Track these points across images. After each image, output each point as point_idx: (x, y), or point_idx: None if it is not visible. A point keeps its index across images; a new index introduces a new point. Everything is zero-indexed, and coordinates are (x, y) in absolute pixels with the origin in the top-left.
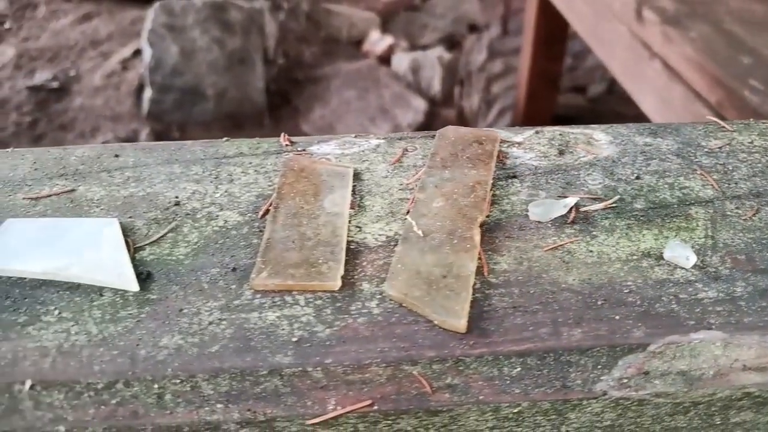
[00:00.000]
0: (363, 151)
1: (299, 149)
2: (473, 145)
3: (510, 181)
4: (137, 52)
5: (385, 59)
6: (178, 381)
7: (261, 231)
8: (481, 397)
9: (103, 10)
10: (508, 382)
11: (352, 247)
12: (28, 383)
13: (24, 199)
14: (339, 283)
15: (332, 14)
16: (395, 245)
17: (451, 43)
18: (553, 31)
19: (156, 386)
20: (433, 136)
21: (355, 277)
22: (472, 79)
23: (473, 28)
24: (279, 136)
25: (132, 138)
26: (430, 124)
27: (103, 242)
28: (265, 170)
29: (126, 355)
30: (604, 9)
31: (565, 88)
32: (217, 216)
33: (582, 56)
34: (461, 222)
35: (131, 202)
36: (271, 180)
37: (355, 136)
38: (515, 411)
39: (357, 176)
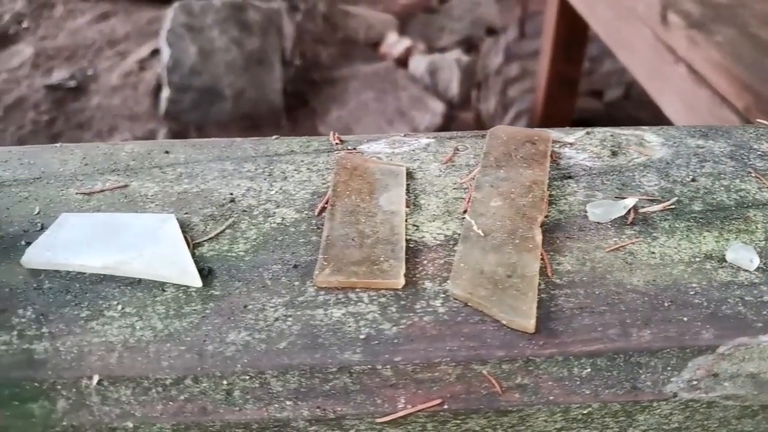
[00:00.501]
0: (413, 150)
1: (349, 148)
2: (526, 144)
3: (565, 181)
4: (154, 52)
5: (402, 61)
6: (247, 377)
7: (319, 228)
8: (551, 398)
9: (119, 9)
10: (578, 382)
11: (410, 245)
12: (96, 378)
13: (77, 194)
14: (403, 281)
15: (349, 16)
16: (454, 244)
17: (469, 45)
18: (573, 35)
19: (225, 382)
20: (483, 136)
21: (417, 275)
22: (489, 82)
23: (491, 31)
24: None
25: (149, 138)
26: (447, 126)
27: (162, 238)
28: (317, 168)
29: (193, 350)
30: (627, 12)
31: (582, 92)
32: (274, 213)
33: (599, 60)
34: (521, 222)
35: (186, 199)
36: (324, 178)
37: (404, 135)
38: (585, 412)
39: (410, 175)
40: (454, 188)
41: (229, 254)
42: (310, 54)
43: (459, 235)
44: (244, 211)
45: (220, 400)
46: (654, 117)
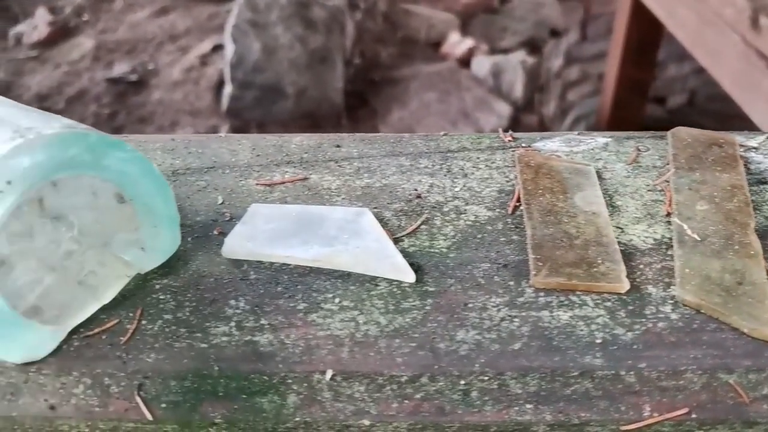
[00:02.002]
0: (592, 149)
1: (523, 145)
2: (712, 147)
3: (762, 186)
4: (216, 48)
5: (464, 62)
6: (486, 378)
7: (517, 227)
8: None
9: (179, 4)
10: None
11: (620, 248)
12: (329, 373)
13: (258, 185)
14: (627, 285)
15: (410, 15)
16: (666, 248)
17: (532, 47)
18: (646, 38)
19: (462, 382)
20: (662, 137)
21: (636, 279)
22: (550, 85)
23: (554, 33)
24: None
25: (212, 133)
26: (512, 129)
27: (362, 231)
28: (496, 165)
29: (425, 347)
30: (712, 16)
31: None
32: (465, 210)
33: (663, 66)
34: (733, 227)
35: (371, 193)
36: (506, 175)
37: (579, 134)
38: None
39: (597, 175)
40: (648, 190)
41: (432, 250)
42: (369, 53)
43: (669, 239)
44: (434, 207)
45: (458, 401)
46: (718, 125)
